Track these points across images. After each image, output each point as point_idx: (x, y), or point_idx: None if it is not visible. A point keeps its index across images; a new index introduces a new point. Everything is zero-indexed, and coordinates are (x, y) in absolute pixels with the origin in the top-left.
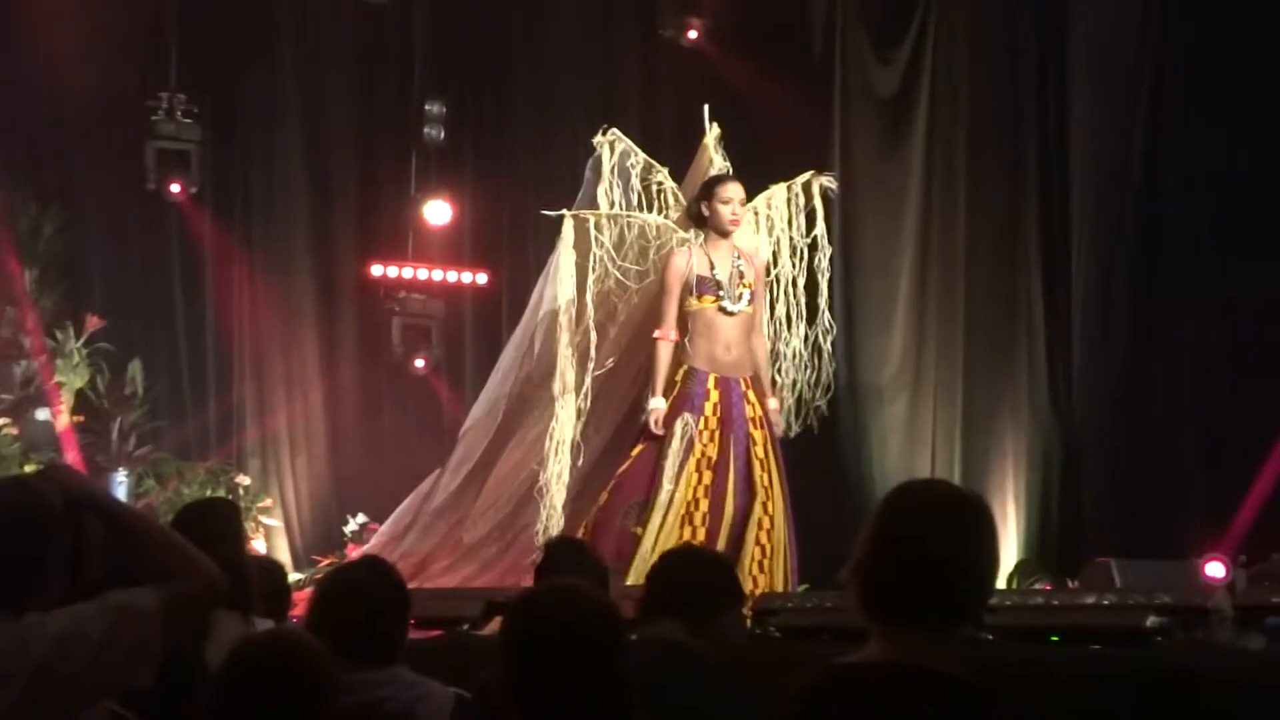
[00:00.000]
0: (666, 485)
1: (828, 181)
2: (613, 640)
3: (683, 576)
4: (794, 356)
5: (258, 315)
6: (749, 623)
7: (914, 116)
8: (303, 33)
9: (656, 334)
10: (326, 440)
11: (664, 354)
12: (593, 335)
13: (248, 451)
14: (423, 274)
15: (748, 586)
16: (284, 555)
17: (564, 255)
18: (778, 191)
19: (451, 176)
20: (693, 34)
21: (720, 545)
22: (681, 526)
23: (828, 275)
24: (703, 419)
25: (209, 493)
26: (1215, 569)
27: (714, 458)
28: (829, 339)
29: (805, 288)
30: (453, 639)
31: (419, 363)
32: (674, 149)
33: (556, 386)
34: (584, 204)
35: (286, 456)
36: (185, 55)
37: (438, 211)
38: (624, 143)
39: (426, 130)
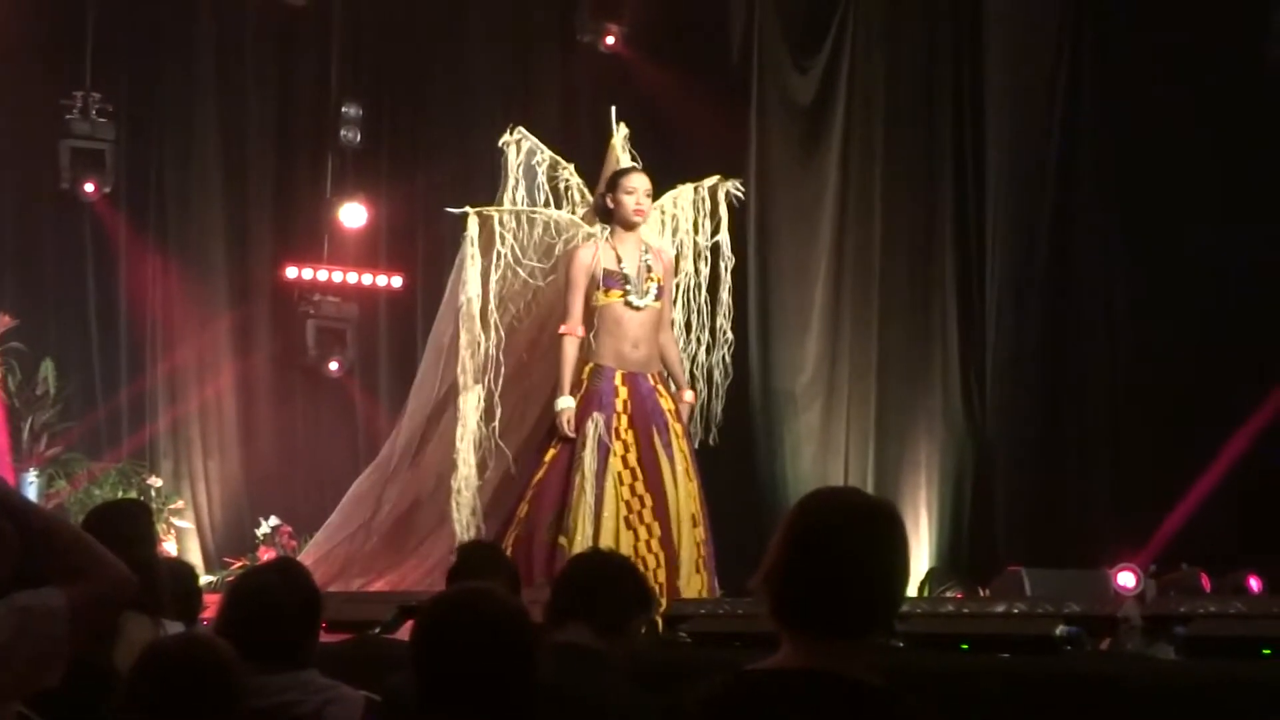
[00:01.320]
0: (588, 490)
1: (734, 188)
2: (524, 645)
3: (592, 581)
4: (697, 364)
5: (171, 316)
6: (660, 628)
7: (830, 125)
8: (220, 32)
9: (562, 329)
10: (239, 442)
11: (570, 351)
12: (495, 334)
13: (160, 452)
14: (338, 276)
15: (689, 585)
16: (195, 557)
17: (469, 253)
18: (684, 191)
19: (367, 179)
20: (610, 39)
21: (676, 541)
22: (624, 531)
23: (728, 284)
24: (616, 416)
25: (120, 494)
26: (1126, 579)
27: (638, 455)
28: (727, 349)
29: (707, 294)
30: (364, 642)
31: (333, 365)
32: (592, 153)
33: (460, 390)
34: (499, 203)
35: (199, 458)
36: (101, 54)
37: (353, 214)
38: (529, 140)
39: (343, 133)
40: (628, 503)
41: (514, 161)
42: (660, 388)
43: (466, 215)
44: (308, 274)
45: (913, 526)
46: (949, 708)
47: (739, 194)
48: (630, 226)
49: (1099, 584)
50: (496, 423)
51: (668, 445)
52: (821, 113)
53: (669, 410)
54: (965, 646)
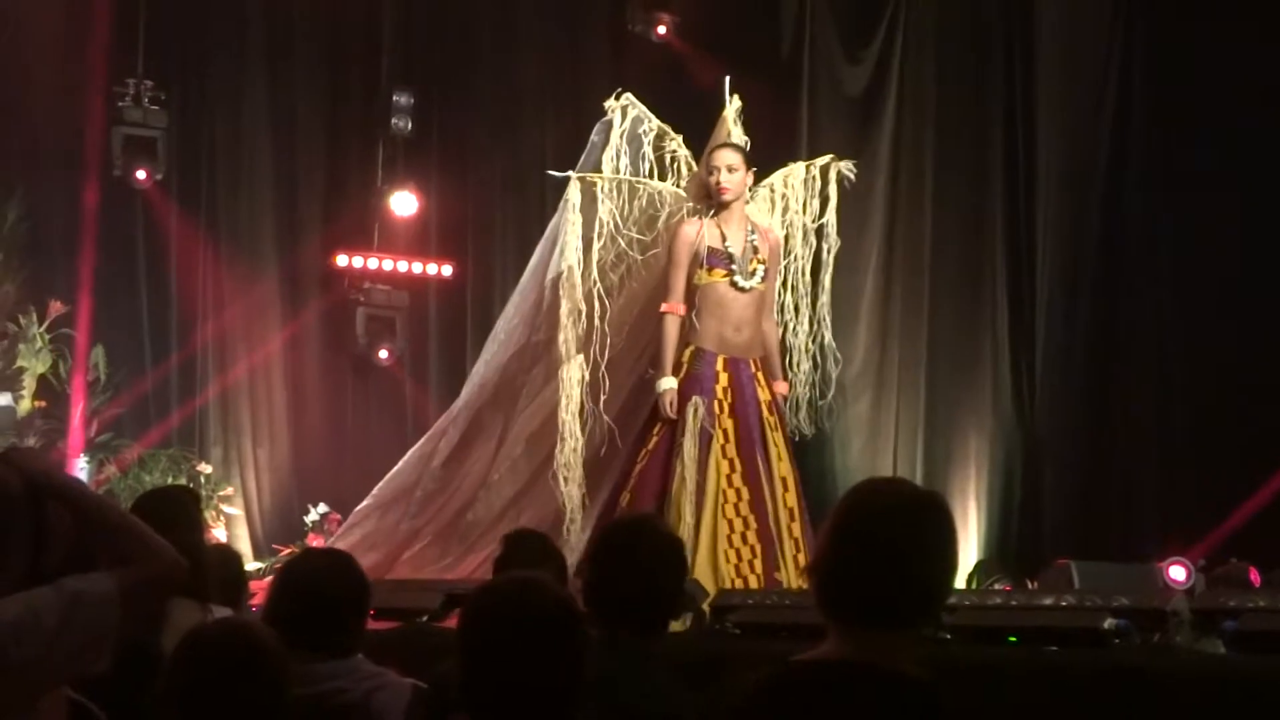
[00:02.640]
0: (689, 477)
1: (846, 168)
2: (570, 636)
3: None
4: (803, 350)
5: (222, 304)
6: (707, 619)
7: (882, 116)
8: (271, 20)
9: (664, 307)
10: (289, 430)
11: (672, 329)
12: (600, 304)
13: (209, 439)
14: (388, 265)
15: (787, 577)
16: (244, 544)
17: (570, 219)
18: (795, 170)
19: (418, 168)
20: (661, 29)
21: (775, 534)
22: (721, 520)
23: (830, 268)
24: (716, 402)
25: (170, 480)
26: (1177, 572)
27: (736, 445)
28: (826, 334)
29: (809, 276)
30: (412, 631)
31: (383, 354)
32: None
33: (562, 355)
34: (588, 169)
35: (248, 445)
36: (153, 42)
37: (404, 202)
38: (637, 108)
39: (394, 121)
40: (724, 493)
41: (618, 128)
42: (760, 375)
43: (569, 180)
44: (358, 262)
45: (961, 518)
46: (996, 700)
47: (850, 174)
48: (720, 204)
49: (1148, 578)
50: (604, 396)
51: (763, 437)
52: (873, 104)
53: (765, 401)
54: (1013, 639)
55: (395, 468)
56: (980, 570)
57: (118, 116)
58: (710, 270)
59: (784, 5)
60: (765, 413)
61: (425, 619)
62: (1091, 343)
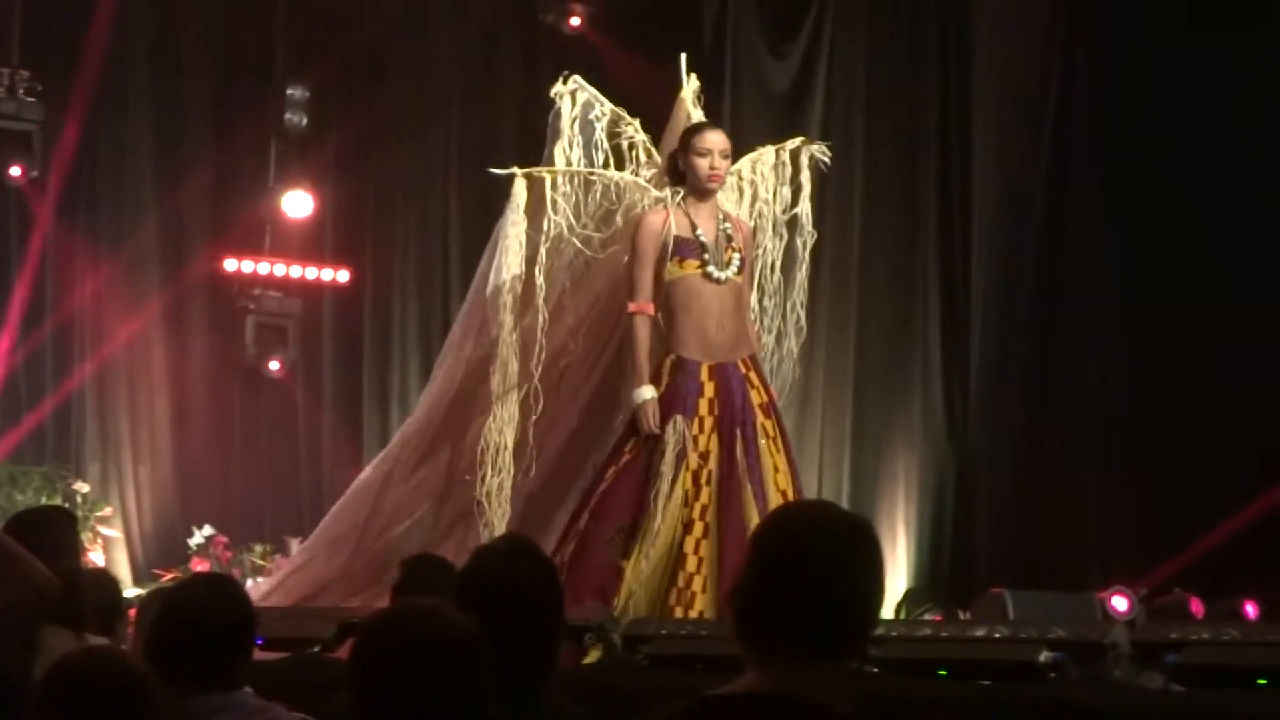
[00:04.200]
0: (659, 512)
1: (819, 151)
2: (471, 666)
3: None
4: (768, 356)
5: (101, 310)
6: (618, 649)
7: (808, 114)
8: (157, 7)
9: (631, 307)
10: (172, 446)
11: (642, 332)
12: (542, 317)
13: (87, 456)
14: (280, 270)
15: None
16: (124, 568)
17: (513, 222)
18: (765, 154)
19: (313, 166)
20: (575, 20)
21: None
22: (676, 551)
23: (805, 265)
24: (697, 420)
25: (44, 499)
26: (1119, 602)
27: (715, 469)
28: (796, 339)
29: (781, 274)
30: (302, 661)
31: (273, 365)
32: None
33: (495, 382)
34: (546, 164)
35: (129, 463)
36: (29, 29)
37: (298, 203)
38: (587, 91)
39: (287, 116)
40: (687, 525)
41: (568, 115)
42: (752, 375)
43: (514, 177)
44: (248, 267)
45: (889, 544)
46: None
47: (825, 158)
48: (705, 192)
49: (1086, 608)
50: (533, 420)
51: (752, 451)
52: (799, 101)
53: (759, 404)
54: (944, 672)
55: (340, 501)
56: (909, 599)
57: None
58: (681, 262)
59: None
60: (761, 418)
61: (317, 649)
62: (1028, 356)
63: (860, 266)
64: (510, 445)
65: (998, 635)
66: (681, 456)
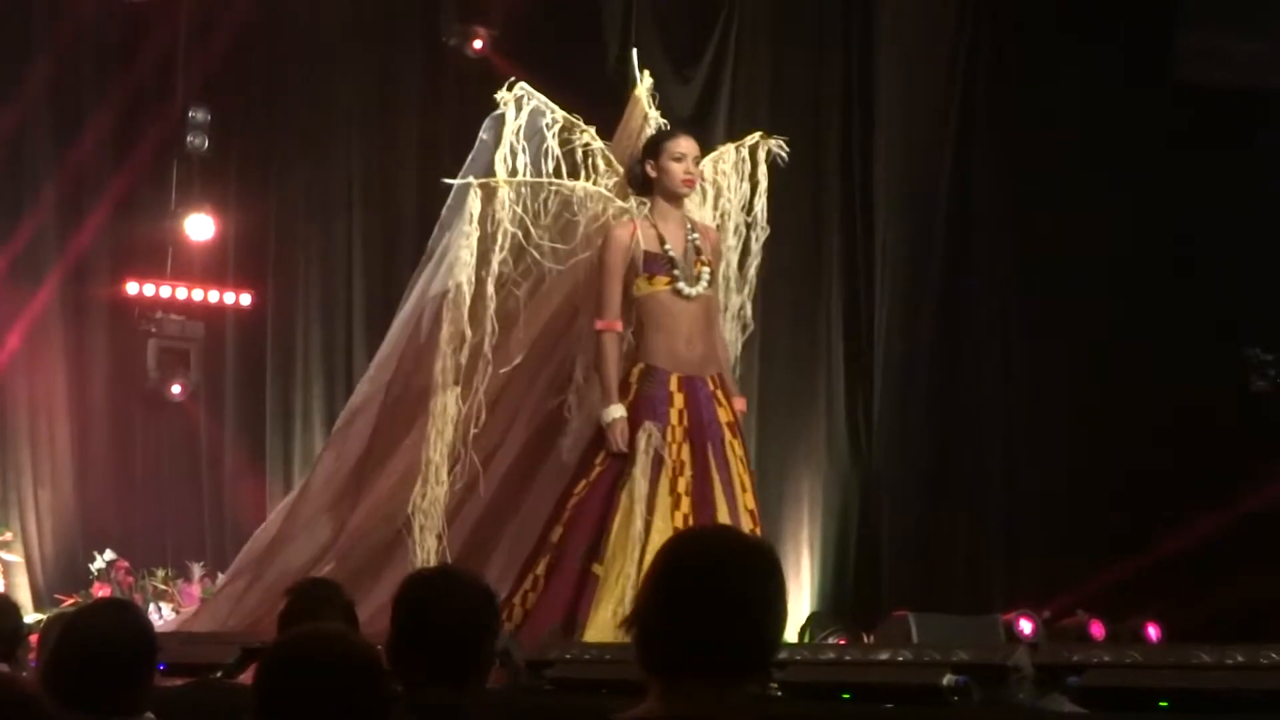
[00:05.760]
0: (637, 513)
1: (777, 146)
2: (373, 691)
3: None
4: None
5: (0, 335)
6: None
7: (712, 138)
8: (54, 27)
9: (600, 324)
10: (73, 471)
11: (612, 349)
12: (489, 327)
13: None
14: (182, 293)
15: None
16: (23, 594)
17: (465, 234)
18: (727, 153)
19: (215, 189)
20: (478, 43)
21: None
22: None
23: (758, 260)
24: (670, 429)
25: None
26: (1025, 625)
27: (690, 478)
28: (741, 337)
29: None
30: (204, 687)
31: (175, 389)
32: (455, 162)
33: (434, 403)
34: (477, 173)
35: (29, 487)
36: None
37: (199, 226)
38: (535, 98)
39: (189, 139)
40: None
41: (513, 123)
42: (719, 394)
43: (469, 188)
44: (149, 290)
45: (794, 567)
46: None
47: (783, 153)
48: (676, 200)
49: (990, 631)
50: (474, 434)
51: (724, 466)
52: (702, 125)
53: (726, 423)
54: (847, 696)
55: (264, 523)
56: (813, 623)
57: None
58: (651, 278)
59: (607, 21)
60: (729, 436)
61: (219, 674)
62: (933, 376)
63: (762, 286)
64: (444, 457)
65: (901, 659)
66: (659, 463)
